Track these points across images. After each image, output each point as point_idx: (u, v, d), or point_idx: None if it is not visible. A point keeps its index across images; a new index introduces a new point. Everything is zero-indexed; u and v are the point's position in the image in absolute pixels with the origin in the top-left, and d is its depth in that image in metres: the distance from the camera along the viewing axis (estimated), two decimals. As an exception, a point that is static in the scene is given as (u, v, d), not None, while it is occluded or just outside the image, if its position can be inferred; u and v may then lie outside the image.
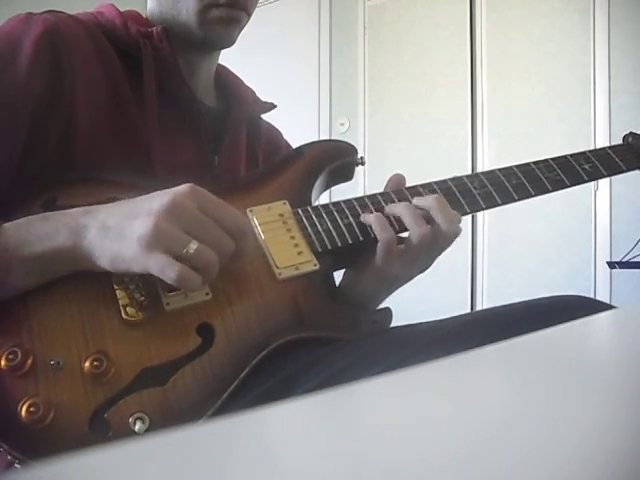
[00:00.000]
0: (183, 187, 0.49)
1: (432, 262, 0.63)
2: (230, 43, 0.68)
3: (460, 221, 0.62)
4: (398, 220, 0.60)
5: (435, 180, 0.67)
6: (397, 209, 0.61)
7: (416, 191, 0.65)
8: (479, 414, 0.16)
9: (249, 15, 0.68)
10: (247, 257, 0.53)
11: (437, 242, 0.60)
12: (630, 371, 0.20)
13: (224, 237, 0.49)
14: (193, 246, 0.46)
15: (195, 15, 0.64)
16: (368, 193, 0.66)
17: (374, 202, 0.63)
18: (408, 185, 0.66)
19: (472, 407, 0.17)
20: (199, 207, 0.48)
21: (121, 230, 0.47)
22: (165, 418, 0.46)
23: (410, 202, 0.63)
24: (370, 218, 0.60)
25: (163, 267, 0.46)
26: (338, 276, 0.66)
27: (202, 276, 0.47)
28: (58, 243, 0.47)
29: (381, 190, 0.66)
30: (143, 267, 0.46)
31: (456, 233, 0.60)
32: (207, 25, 0.64)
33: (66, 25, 0.60)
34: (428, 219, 0.60)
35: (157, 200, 0.47)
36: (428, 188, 0.66)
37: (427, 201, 0.61)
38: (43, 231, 0.48)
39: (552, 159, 0.71)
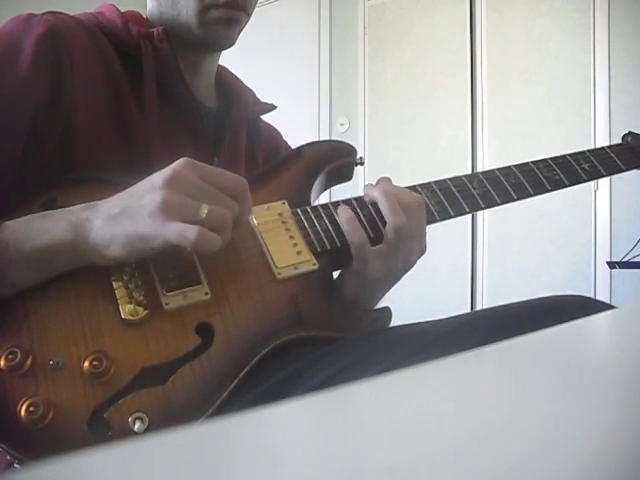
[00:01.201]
0: (179, 161, 0.50)
1: (415, 260, 0.62)
2: (230, 44, 0.68)
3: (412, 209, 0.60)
4: (370, 220, 0.60)
5: (434, 180, 0.67)
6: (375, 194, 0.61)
7: (415, 191, 0.65)
8: (479, 414, 0.16)
9: (249, 15, 0.68)
10: (247, 221, 0.55)
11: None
12: (630, 371, 0.20)
13: (227, 199, 0.51)
14: (205, 209, 0.48)
15: (195, 16, 0.64)
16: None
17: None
18: (407, 185, 0.66)
19: (472, 407, 0.17)
20: (199, 176, 0.50)
21: (130, 213, 0.48)
22: (164, 418, 0.46)
23: None
24: (342, 218, 0.60)
25: (182, 232, 0.47)
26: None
27: (219, 236, 0.49)
28: (58, 236, 0.48)
29: None
30: (163, 239, 0.47)
31: (399, 225, 0.59)
32: (207, 26, 0.64)
33: (67, 26, 0.60)
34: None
35: (158, 176, 0.49)
36: (428, 188, 0.66)
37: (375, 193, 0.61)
38: (43, 226, 0.48)
39: (551, 159, 0.71)
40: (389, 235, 0.59)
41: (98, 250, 0.48)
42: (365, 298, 0.64)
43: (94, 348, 0.47)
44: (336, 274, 0.66)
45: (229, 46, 0.68)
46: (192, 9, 0.64)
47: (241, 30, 0.68)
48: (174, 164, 0.50)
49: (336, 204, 0.63)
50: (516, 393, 0.18)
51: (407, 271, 0.63)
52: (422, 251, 0.63)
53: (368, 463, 0.13)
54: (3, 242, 0.47)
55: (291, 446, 0.14)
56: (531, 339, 0.25)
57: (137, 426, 0.44)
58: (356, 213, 0.61)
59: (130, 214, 0.48)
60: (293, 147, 0.73)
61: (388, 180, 0.66)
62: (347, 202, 0.63)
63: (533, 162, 0.70)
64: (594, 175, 0.72)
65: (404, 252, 0.60)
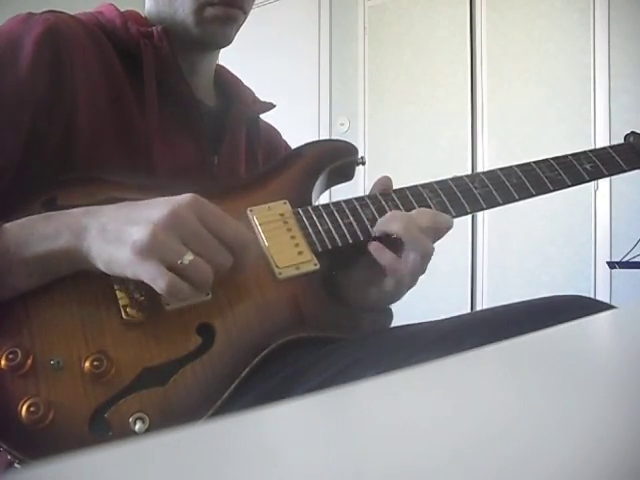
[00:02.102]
0: (185, 197, 0.48)
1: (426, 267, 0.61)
2: (227, 42, 0.68)
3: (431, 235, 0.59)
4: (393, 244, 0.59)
5: (435, 180, 0.67)
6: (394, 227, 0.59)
7: (417, 191, 0.65)
8: (479, 414, 0.16)
9: (246, 13, 0.68)
10: (247, 271, 0.52)
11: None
12: (630, 371, 0.20)
13: (222, 252, 0.48)
14: (188, 257, 0.46)
15: (191, 14, 0.64)
16: (368, 193, 0.66)
17: (375, 202, 0.63)
18: (408, 185, 0.66)
19: (472, 407, 0.17)
20: (200, 219, 0.48)
21: (118, 234, 0.47)
22: (165, 418, 0.46)
23: (411, 202, 0.63)
24: (379, 256, 0.58)
25: (154, 276, 0.45)
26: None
27: (194, 288, 0.47)
28: (60, 245, 0.47)
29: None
30: (135, 273, 0.46)
31: (426, 252, 0.58)
32: (203, 24, 0.64)
33: (66, 25, 0.60)
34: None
35: (158, 208, 0.47)
36: (429, 188, 0.66)
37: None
38: (45, 232, 0.48)
39: (553, 158, 0.71)
40: (411, 259, 0.58)
41: (88, 259, 0.48)
42: (373, 305, 0.64)
43: (95, 348, 0.47)
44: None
45: (226, 44, 0.68)
46: (188, 7, 0.64)
47: (238, 28, 0.68)
48: (178, 199, 0.48)
49: (337, 204, 0.63)
50: (516, 393, 0.18)
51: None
52: None
53: (368, 463, 0.13)
54: (4, 246, 0.47)
55: (291, 446, 0.14)
56: (531, 339, 0.25)
57: (138, 426, 0.44)
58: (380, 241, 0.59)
59: (118, 237, 0.47)
60: (293, 147, 0.73)
61: (388, 179, 0.65)
62: (352, 208, 0.63)
63: (535, 162, 0.70)
64: (596, 175, 0.71)
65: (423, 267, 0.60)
